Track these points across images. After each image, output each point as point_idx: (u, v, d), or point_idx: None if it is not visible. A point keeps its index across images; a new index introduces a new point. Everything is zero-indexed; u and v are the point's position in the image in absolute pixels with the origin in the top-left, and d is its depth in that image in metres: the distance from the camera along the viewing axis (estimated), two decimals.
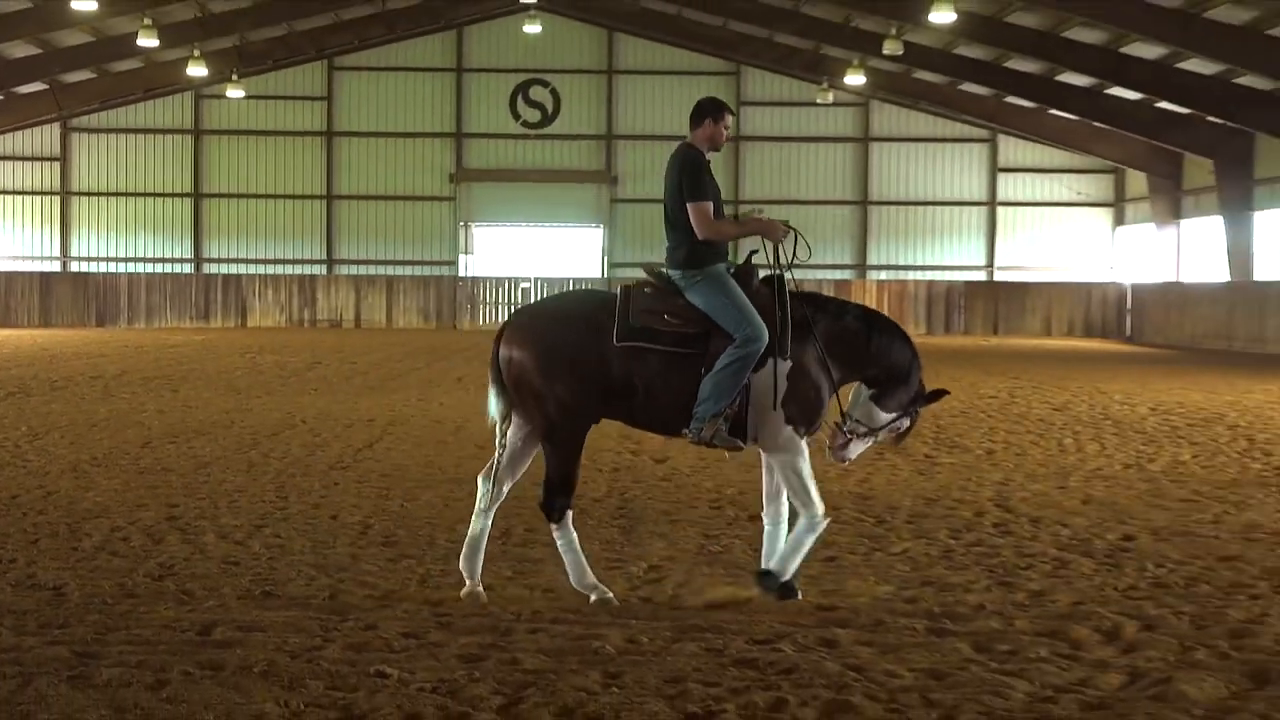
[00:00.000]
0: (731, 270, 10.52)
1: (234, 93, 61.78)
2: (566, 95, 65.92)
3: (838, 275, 65.14)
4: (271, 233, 65.95)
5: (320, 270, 65.64)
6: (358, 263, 65.91)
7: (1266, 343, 48.69)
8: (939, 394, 10.85)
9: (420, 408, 24.97)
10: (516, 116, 66.04)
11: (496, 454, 10.47)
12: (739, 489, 15.42)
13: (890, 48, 50.87)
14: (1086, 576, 11.02)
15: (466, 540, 10.46)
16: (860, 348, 10.51)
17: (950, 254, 66.63)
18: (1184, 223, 60.85)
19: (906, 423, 10.74)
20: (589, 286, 65.41)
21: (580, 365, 10.14)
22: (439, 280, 65.21)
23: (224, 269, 65.43)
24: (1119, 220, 66.00)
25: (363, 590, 10.38)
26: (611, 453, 18.49)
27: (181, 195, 65.46)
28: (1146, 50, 47.07)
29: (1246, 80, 46.96)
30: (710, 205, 10.47)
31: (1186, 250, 61.43)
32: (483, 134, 66.08)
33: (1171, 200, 60.68)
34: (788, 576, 10.26)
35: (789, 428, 10.27)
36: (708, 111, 10.72)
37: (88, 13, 46.37)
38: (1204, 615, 9.81)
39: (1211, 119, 51.53)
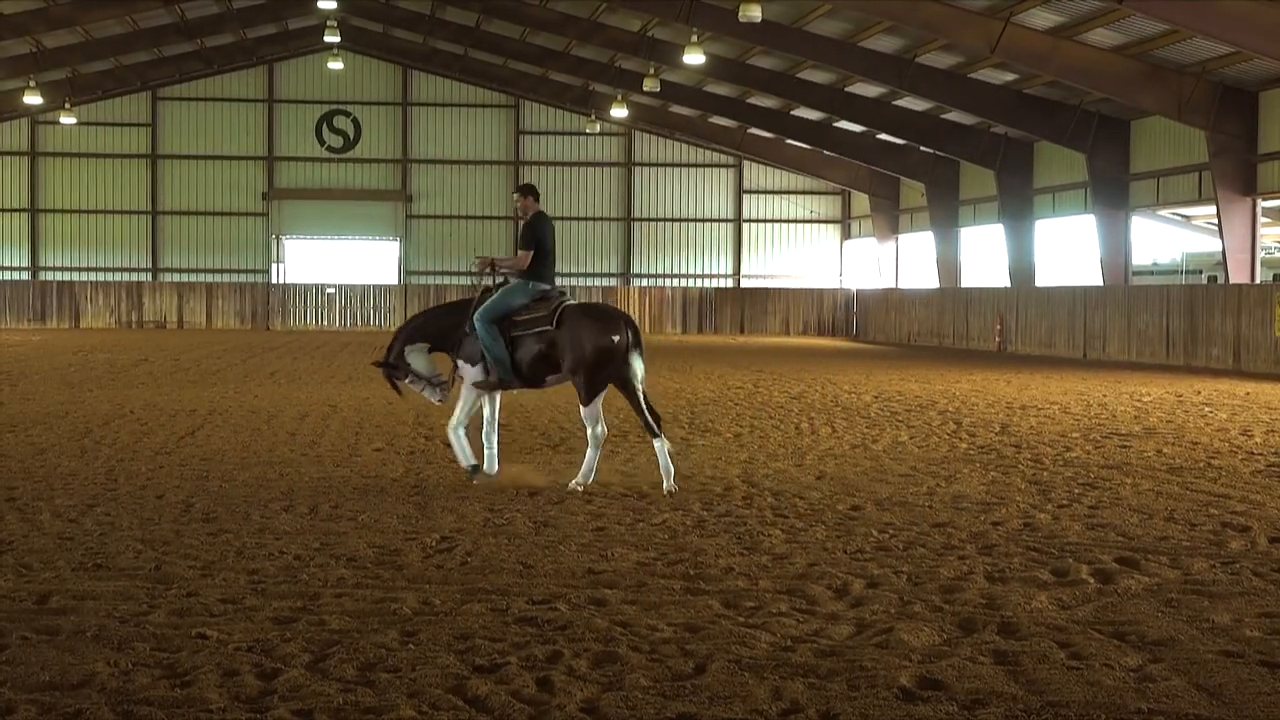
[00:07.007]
0: None
1: (67, 119, 60.67)
2: (366, 123, 65.57)
3: (605, 283, 65.41)
4: (102, 244, 64.80)
5: (146, 277, 64.69)
6: (180, 271, 65.05)
7: (970, 339, 49.79)
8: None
9: (237, 399, 24.55)
10: (322, 142, 65.59)
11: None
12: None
13: (649, 85, 51.28)
14: (820, 541, 11.12)
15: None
16: None
17: (702, 264, 67.25)
18: (901, 237, 62.05)
19: None
20: (387, 292, 65.10)
21: None
22: (253, 286, 64.58)
23: (59, 276, 64.21)
24: (846, 235, 67.07)
25: (185, 561, 10.16)
26: (407, 439, 18.35)
27: (19, 211, 64.41)
28: (867, 90, 47.86)
29: (952, 116, 47.95)
30: None
31: (903, 260, 62.68)
32: (292, 157, 65.51)
33: (890, 218, 61.79)
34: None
35: None
36: None
37: None
38: (920, 573, 9.94)
39: (923, 148, 52.54)
